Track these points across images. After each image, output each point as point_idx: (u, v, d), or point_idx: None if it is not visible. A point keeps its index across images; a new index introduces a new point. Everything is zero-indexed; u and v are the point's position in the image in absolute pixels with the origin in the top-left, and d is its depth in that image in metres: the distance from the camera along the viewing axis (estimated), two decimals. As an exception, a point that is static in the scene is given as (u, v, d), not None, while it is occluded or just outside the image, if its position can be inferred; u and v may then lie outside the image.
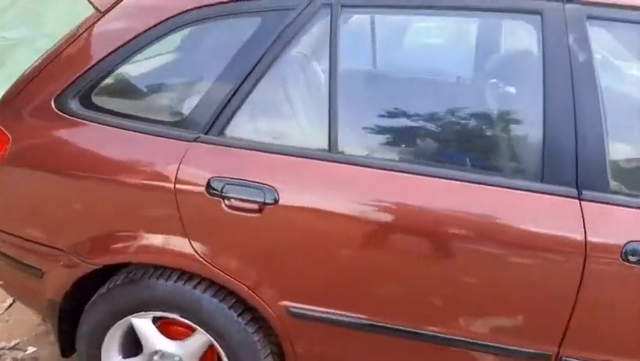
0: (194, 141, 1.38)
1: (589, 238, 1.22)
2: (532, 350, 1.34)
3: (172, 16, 1.41)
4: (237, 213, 1.35)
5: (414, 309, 1.37)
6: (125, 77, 1.51)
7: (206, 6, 1.41)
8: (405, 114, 1.53)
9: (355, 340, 1.44)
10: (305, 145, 1.43)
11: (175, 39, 1.57)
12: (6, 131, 1.49)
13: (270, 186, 1.32)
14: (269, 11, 1.39)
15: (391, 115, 1.53)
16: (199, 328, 1.48)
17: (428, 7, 1.39)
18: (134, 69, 1.52)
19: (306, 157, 1.36)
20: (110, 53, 1.43)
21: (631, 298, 1.25)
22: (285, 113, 1.53)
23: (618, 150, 1.31)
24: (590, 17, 1.27)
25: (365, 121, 1.48)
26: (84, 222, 1.50)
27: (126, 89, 1.57)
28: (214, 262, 1.40)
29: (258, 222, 1.34)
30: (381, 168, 1.34)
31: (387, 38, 1.83)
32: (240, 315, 1.46)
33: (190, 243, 1.40)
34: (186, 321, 1.48)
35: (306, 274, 1.40)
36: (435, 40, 1.87)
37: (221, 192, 1.34)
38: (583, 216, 1.23)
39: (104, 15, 1.49)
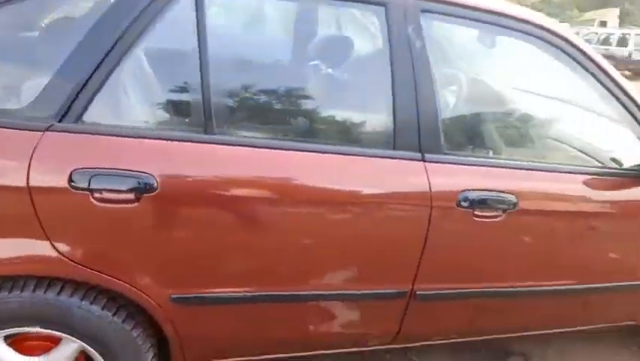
0: (47, 130, 1.22)
1: (433, 191, 1.48)
2: (391, 290, 1.58)
3: None
4: (110, 205, 1.25)
5: (276, 274, 1.47)
6: None
7: None
8: (263, 94, 1.59)
9: (231, 314, 1.48)
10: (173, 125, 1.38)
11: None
12: None
13: (148, 174, 1.25)
14: None
15: (242, 95, 1.56)
16: (67, 336, 1.34)
17: None
18: None
19: (182, 140, 1.32)
20: None
21: (467, 236, 1.57)
22: (153, 96, 1.43)
23: (447, 120, 1.60)
24: (424, 10, 1.50)
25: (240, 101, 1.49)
26: None
27: None
28: (85, 262, 1.27)
29: (134, 213, 1.27)
30: (257, 147, 1.38)
31: (251, 24, 1.83)
32: (115, 314, 1.36)
33: (53, 245, 1.24)
34: (49, 332, 1.33)
35: (184, 260, 1.38)
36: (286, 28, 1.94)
37: (89, 185, 1.22)
38: (427, 174, 1.48)
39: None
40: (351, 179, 1.46)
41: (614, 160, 1.82)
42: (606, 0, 37.50)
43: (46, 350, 1.37)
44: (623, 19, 33.44)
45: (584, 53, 1.67)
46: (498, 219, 1.56)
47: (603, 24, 31.05)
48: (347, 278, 1.54)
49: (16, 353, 1.34)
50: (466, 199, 1.50)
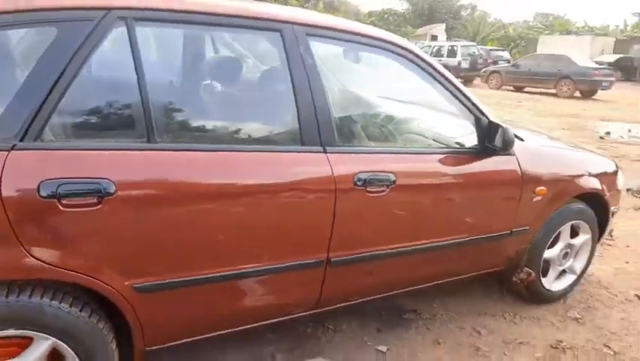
0: (12, 149, 1.38)
1: (335, 175, 1.88)
2: (311, 260, 1.95)
3: None
4: (75, 210, 1.44)
5: (216, 258, 1.75)
6: None
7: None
8: (190, 107, 1.87)
9: (180, 297, 1.72)
10: (121, 137, 1.61)
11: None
12: None
13: (107, 179, 1.47)
14: (67, 21, 1.49)
15: (177, 110, 1.83)
16: (39, 335, 1.48)
17: (199, 22, 1.77)
18: None
19: (131, 149, 1.56)
20: None
21: (364, 209, 2.00)
22: (100, 114, 1.63)
23: (337, 120, 2.00)
24: (310, 35, 1.91)
25: (175, 114, 1.75)
26: None
27: None
28: (57, 263, 1.45)
29: (97, 214, 1.47)
30: (195, 150, 1.67)
31: (169, 51, 2.05)
32: (81, 310, 1.54)
33: (27, 251, 1.40)
34: (21, 333, 1.46)
35: (142, 253, 1.61)
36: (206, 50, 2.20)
37: (56, 193, 1.41)
38: (330, 163, 1.88)
39: None
40: (270, 172, 1.80)
41: (458, 143, 2.40)
42: (433, 16, 42.34)
43: (15, 354, 1.49)
44: (450, 33, 38.02)
45: (427, 63, 2.22)
46: (384, 193, 2.02)
47: (434, 38, 35.04)
48: (275, 254, 1.87)
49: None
50: (360, 180, 1.94)
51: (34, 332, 1.48)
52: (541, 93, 17.48)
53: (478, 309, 2.82)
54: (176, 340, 1.80)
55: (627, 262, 3.63)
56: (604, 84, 16.50)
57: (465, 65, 20.36)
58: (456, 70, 18.28)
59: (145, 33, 1.63)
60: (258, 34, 1.97)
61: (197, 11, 1.72)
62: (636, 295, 3.15)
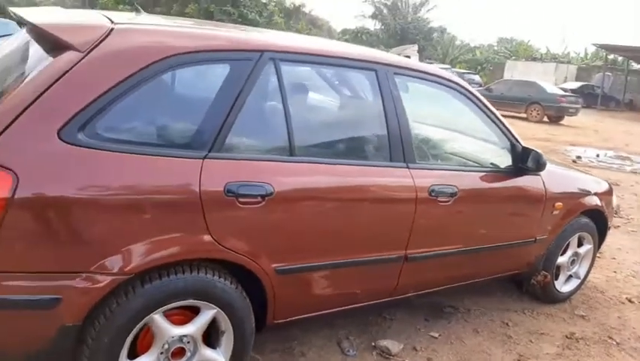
0: (205, 158, 1.78)
1: (416, 186, 2.33)
2: (394, 255, 2.39)
3: (156, 61, 1.73)
4: (248, 206, 1.85)
5: (342, 246, 2.21)
6: (121, 110, 1.68)
7: (189, 52, 1.80)
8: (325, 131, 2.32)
9: (310, 278, 2.15)
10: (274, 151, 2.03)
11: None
12: (12, 168, 1.46)
13: (269, 183, 1.88)
14: (236, 60, 1.90)
15: (309, 131, 2.26)
16: (207, 305, 1.86)
17: (329, 64, 2.24)
18: (130, 102, 1.70)
19: (282, 161, 1.98)
20: (104, 93, 1.63)
21: (434, 216, 2.44)
22: (260, 132, 2.03)
23: (415, 141, 2.45)
24: (396, 74, 2.38)
25: (307, 134, 2.18)
26: (116, 240, 1.64)
27: (127, 121, 1.73)
28: (230, 246, 1.85)
29: (259, 210, 1.88)
30: (322, 163, 2.10)
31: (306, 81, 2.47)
32: (237, 287, 1.93)
33: (212, 236, 1.80)
34: (193, 304, 1.84)
35: (285, 241, 2.02)
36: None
37: (236, 192, 1.81)
38: (412, 176, 2.33)
39: (85, 55, 1.63)
40: (370, 181, 2.24)
41: (492, 164, 2.89)
42: (405, 37, 43.69)
43: (187, 321, 1.87)
44: (421, 54, 39.35)
45: (476, 97, 2.72)
46: (449, 203, 2.48)
47: (407, 58, 36.25)
48: (373, 247, 2.31)
49: (172, 326, 1.82)
50: (433, 191, 2.39)
51: (205, 303, 1.86)
52: (512, 117, 18.46)
53: (502, 306, 3.30)
54: (294, 316, 2.20)
55: (615, 272, 4.21)
56: (570, 110, 17.60)
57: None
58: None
59: (287, 70, 2.05)
60: (359, 72, 2.42)
61: (319, 53, 2.19)
62: (627, 298, 3.71)
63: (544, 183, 2.95)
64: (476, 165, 2.84)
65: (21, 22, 2.10)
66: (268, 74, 1.99)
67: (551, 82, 25.54)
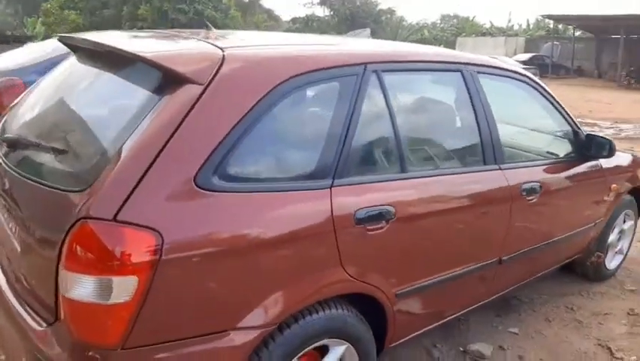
0: (332, 187, 1.65)
1: (510, 186, 2.27)
2: (491, 260, 2.33)
3: (277, 85, 1.58)
4: (374, 232, 1.73)
5: (451, 261, 2.13)
6: (249, 144, 1.52)
7: (303, 73, 1.65)
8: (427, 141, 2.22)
9: (424, 296, 2.06)
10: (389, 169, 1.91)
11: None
12: (155, 228, 1.29)
13: (390, 205, 1.77)
14: (343, 77, 1.77)
15: (418, 141, 2.16)
16: (337, 343, 1.75)
17: (424, 69, 2.16)
18: (256, 135, 1.54)
19: (397, 179, 1.87)
20: (233, 127, 1.47)
21: (525, 213, 2.40)
22: (373, 151, 1.90)
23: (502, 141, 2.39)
24: (479, 72, 2.30)
25: (414, 146, 2.06)
26: (260, 288, 1.50)
27: (256, 156, 1.57)
28: (362, 278, 1.73)
29: (384, 234, 1.77)
30: (430, 176, 2.01)
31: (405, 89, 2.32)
32: (361, 318, 1.82)
33: (344, 269, 1.67)
34: (326, 342, 1.72)
35: (405, 263, 1.92)
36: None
37: (365, 219, 1.69)
38: (505, 177, 2.27)
39: (206, 88, 1.46)
40: (470, 188, 2.16)
41: (562, 154, 2.85)
42: (356, 22, 43.62)
43: (316, 361, 1.75)
44: (373, 37, 39.50)
45: (543, 87, 2.68)
46: (535, 200, 2.43)
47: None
48: (476, 255, 2.26)
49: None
50: (524, 190, 2.35)
51: (337, 340, 1.74)
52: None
53: (559, 290, 3.32)
54: (407, 336, 2.11)
55: (641, 241, 4.32)
56: (531, 82, 18.06)
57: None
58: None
59: (389, 80, 1.93)
60: (449, 75, 2.33)
61: (414, 60, 2.08)
62: (663, 267, 3.82)
63: (601, 167, 2.96)
64: (550, 156, 2.81)
65: (78, 49, 1.91)
66: (373, 88, 1.86)
67: (502, 55, 26.21)
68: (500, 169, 2.28)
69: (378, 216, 1.74)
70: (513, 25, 44.23)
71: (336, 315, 1.70)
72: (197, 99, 1.43)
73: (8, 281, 1.68)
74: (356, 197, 1.71)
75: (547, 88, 2.75)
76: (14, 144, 1.74)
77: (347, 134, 1.72)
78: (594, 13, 26.53)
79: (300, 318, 1.61)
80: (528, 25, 42.21)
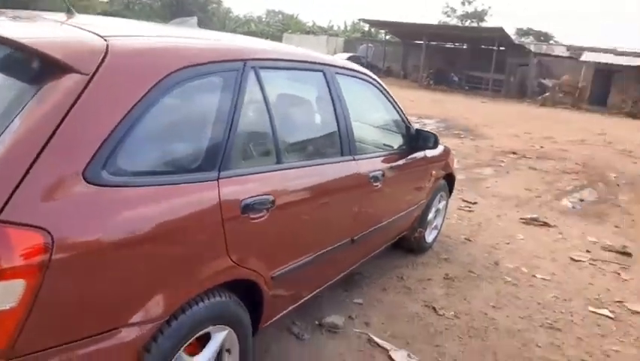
0: (218, 179, 1.74)
1: (361, 174, 2.61)
2: (347, 240, 2.64)
3: (165, 76, 1.61)
4: (256, 220, 1.87)
5: (319, 242, 2.39)
6: (138, 137, 1.52)
7: (190, 66, 1.70)
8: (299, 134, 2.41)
9: (298, 274, 2.25)
10: (267, 161, 2.05)
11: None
12: (44, 226, 1.26)
13: (269, 194, 1.93)
14: (226, 72, 1.86)
15: (291, 135, 2.33)
16: (220, 327, 1.84)
17: (294, 68, 2.34)
18: (144, 128, 1.54)
19: (274, 170, 2.04)
20: (121, 120, 1.47)
21: (372, 196, 2.77)
22: (254, 143, 2.00)
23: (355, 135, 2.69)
24: (337, 73, 2.58)
25: (287, 139, 2.22)
26: (152, 282, 1.52)
27: (145, 149, 1.55)
28: (245, 264, 1.86)
29: (265, 222, 1.91)
30: (301, 167, 2.23)
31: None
32: (239, 303, 1.94)
33: (230, 257, 1.79)
34: (209, 330, 1.81)
35: (281, 246, 2.10)
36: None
37: (250, 208, 1.83)
38: (358, 167, 2.60)
39: (91, 79, 1.44)
40: (337, 177, 2.47)
41: (387, 145, 3.32)
42: (182, 9, 42.13)
43: (197, 351, 1.80)
44: (200, 26, 38.64)
45: (383, 87, 3.09)
46: (380, 185, 2.82)
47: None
48: (339, 234, 2.55)
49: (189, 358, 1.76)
50: (372, 177, 2.72)
51: (219, 326, 1.83)
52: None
53: (391, 265, 3.84)
54: (278, 315, 2.28)
55: (447, 218, 5.17)
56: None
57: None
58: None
59: (265, 76, 2.06)
60: (314, 74, 2.53)
61: (286, 59, 2.28)
62: (465, 238, 4.66)
63: (426, 156, 3.52)
64: (388, 148, 3.23)
65: None
66: (252, 83, 1.98)
67: (324, 53, 27.87)
68: (354, 160, 2.61)
69: (260, 205, 1.89)
70: (333, 26, 47.38)
71: (220, 302, 1.79)
72: (83, 90, 1.40)
73: None
74: (241, 188, 1.83)
75: (386, 88, 3.18)
76: None
77: (231, 128, 1.82)
78: (403, 21, 29.76)
79: (187, 308, 1.66)
80: (346, 26, 45.61)
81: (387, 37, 35.45)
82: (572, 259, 4.47)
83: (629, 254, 4.69)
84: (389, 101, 3.19)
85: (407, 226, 3.68)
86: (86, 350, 1.39)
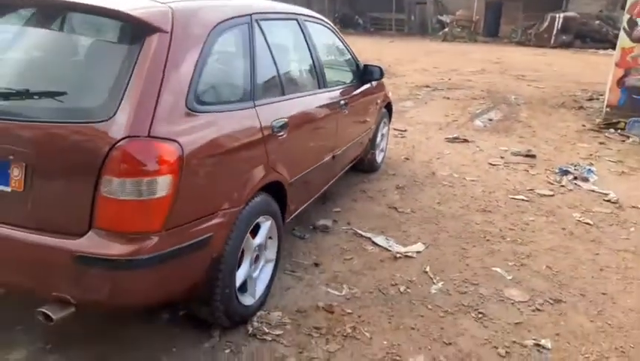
0: (255, 106, 2.32)
1: (332, 101, 3.26)
2: (330, 156, 3.31)
3: (212, 29, 2.14)
4: (279, 138, 2.49)
5: (315, 156, 3.04)
6: (207, 76, 2.06)
7: (224, 20, 2.24)
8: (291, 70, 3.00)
9: (306, 179, 2.91)
10: (277, 92, 2.64)
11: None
12: (176, 139, 1.80)
13: (285, 118, 2.54)
14: (243, 24, 2.40)
15: (290, 73, 2.95)
16: (265, 219, 2.48)
17: (278, 18, 2.86)
18: (207, 69, 2.07)
19: (282, 100, 2.63)
20: (195, 64, 2.00)
21: (344, 119, 3.44)
22: (267, 79, 2.56)
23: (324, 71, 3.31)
24: (305, 20, 3.15)
25: (287, 76, 2.78)
26: (240, 180, 2.16)
27: (212, 84, 2.10)
28: (279, 170, 2.48)
29: (284, 139, 2.53)
30: (299, 97, 2.83)
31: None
32: (273, 200, 2.57)
33: (270, 165, 2.41)
34: (259, 220, 2.44)
35: (296, 160, 2.73)
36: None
37: (277, 128, 2.43)
38: (329, 97, 3.24)
39: (171, 35, 1.93)
40: (321, 104, 3.10)
41: (345, 79, 3.96)
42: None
43: (254, 236, 2.44)
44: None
45: (337, 31, 3.70)
46: (347, 110, 3.49)
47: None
48: (325, 151, 3.19)
49: (252, 240, 2.40)
50: (342, 104, 3.38)
51: (264, 216, 2.46)
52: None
53: (353, 182, 4.59)
54: (295, 212, 2.94)
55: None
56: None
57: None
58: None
59: (264, 25, 2.60)
60: (291, 22, 3.09)
61: (274, 12, 2.81)
62: (404, 157, 5.52)
63: (372, 85, 4.22)
64: (347, 82, 3.86)
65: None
66: (258, 32, 2.52)
67: None
68: (328, 91, 3.24)
69: (282, 126, 2.50)
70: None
71: (265, 199, 2.42)
72: (170, 44, 1.91)
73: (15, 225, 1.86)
74: (268, 113, 2.42)
75: (339, 32, 3.79)
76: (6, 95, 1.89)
77: (254, 66, 2.40)
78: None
79: (249, 202, 2.27)
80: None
81: None
82: (490, 164, 5.48)
83: (533, 156, 5.80)
84: (341, 41, 3.82)
85: (364, 147, 4.41)
86: (200, 226, 1.97)
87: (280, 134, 2.48)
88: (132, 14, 1.89)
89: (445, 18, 27.31)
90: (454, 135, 6.55)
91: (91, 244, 1.76)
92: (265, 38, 2.58)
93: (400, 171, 5.03)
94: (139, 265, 1.78)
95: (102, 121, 1.74)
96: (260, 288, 2.52)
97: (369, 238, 3.47)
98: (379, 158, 4.96)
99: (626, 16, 7.37)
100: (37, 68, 2.02)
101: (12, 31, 2.14)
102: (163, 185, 1.77)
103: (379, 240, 3.44)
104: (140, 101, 1.76)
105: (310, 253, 3.22)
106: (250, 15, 2.49)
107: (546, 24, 22.73)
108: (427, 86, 10.77)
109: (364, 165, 4.72)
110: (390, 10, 27.77)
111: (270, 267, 2.62)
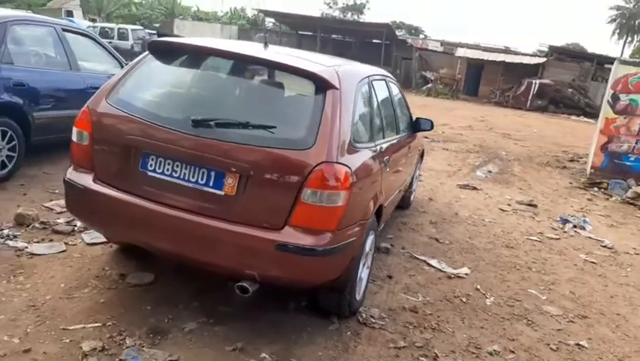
0: (375, 146, 3.06)
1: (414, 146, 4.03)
2: (397, 191, 4.04)
3: (357, 85, 2.92)
4: (385, 169, 3.22)
5: (393, 188, 3.76)
6: (357, 121, 2.80)
7: (363, 78, 3.01)
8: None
9: (385, 209, 3.59)
10: None
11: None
12: (349, 166, 2.52)
13: (387, 155, 3.27)
14: (367, 83, 3.17)
15: None
16: (371, 233, 3.17)
17: (380, 80, 3.64)
18: (357, 115, 2.83)
19: (390, 141, 3.37)
20: (352, 113, 2.76)
21: None
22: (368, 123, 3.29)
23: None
24: (389, 80, 3.94)
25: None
26: (370, 199, 2.85)
27: (359, 128, 2.81)
28: (383, 194, 3.20)
29: (387, 172, 3.27)
30: None
31: None
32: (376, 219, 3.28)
33: (381, 190, 3.12)
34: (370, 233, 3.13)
35: (384, 189, 3.45)
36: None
37: (385, 163, 3.17)
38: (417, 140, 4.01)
39: (340, 91, 2.68)
40: None
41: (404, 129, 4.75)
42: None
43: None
44: (85, 10, 36.60)
45: (398, 87, 4.52)
46: (409, 154, 4.25)
47: (69, 13, 33.16)
48: (396, 187, 3.91)
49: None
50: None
51: (371, 231, 3.16)
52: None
53: (393, 218, 5.30)
54: (380, 226, 3.63)
55: (408, 185, 6.75)
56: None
57: (137, 48, 21.36)
58: (130, 53, 19.18)
59: (374, 85, 3.40)
60: (383, 82, 3.85)
61: (378, 74, 3.59)
62: (429, 198, 6.28)
63: (417, 137, 5.01)
64: (406, 130, 4.65)
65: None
66: (372, 90, 3.30)
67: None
68: (401, 137, 4.02)
69: (387, 161, 3.26)
70: (217, 12, 47.32)
71: (374, 219, 3.11)
72: (340, 98, 2.64)
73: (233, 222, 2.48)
74: (381, 150, 3.17)
75: (401, 88, 4.60)
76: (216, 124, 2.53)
77: (372, 115, 3.18)
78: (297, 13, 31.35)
79: (370, 218, 2.97)
80: (232, 12, 45.90)
81: (279, 27, 36.76)
82: (501, 209, 6.31)
83: (535, 205, 6.67)
84: (402, 98, 4.62)
85: (407, 185, 5.16)
86: (351, 231, 2.66)
87: (385, 167, 3.21)
88: (321, 75, 2.63)
89: (429, 74, 29.03)
90: (465, 183, 7.40)
91: (289, 236, 2.41)
92: (375, 94, 3.35)
93: (428, 209, 5.78)
94: (320, 253, 2.45)
95: (306, 149, 2.43)
96: (362, 288, 3.17)
97: (425, 260, 4.17)
98: (412, 196, 5.72)
99: (609, 91, 8.54)
100: (253, 107, 2.71)
101: (235, 80, 2.95)
102: (342, 197, 2.46)
103: (433, 262, 4.14)
104: (330, 137, 2.47)
105: (382, 268, 3.89)
106: (369, 76, 3.26)
107: (523, 88, 24.61)
108: (425, 137, 11.73)
109: (402, 202, 5.45)
110: (379, 62, 29.36)
111: (367, 272, 3.28)
